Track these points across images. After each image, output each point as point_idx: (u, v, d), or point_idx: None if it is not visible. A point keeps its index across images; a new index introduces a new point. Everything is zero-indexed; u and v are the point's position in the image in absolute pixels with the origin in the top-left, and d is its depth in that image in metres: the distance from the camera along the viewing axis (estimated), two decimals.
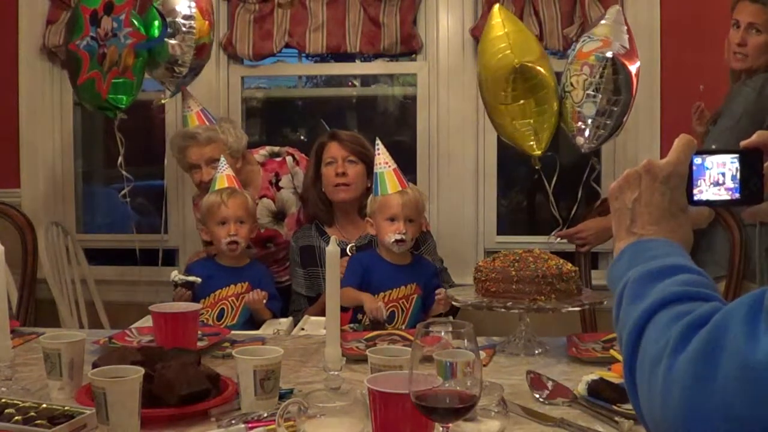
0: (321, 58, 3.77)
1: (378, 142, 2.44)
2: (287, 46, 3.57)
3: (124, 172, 3.07)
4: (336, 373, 1.61)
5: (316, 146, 2.82)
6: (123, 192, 3.11)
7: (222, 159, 2.67)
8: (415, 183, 3.46)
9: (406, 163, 3.42)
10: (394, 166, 2.42)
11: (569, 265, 2.05)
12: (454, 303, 2.14)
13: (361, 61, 3.74)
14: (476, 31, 3.44)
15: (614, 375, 1.69)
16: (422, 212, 2.46)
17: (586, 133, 2.63)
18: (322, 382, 1.63)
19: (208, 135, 2.85)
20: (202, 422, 1.47)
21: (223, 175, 2.61)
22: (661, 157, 1.11)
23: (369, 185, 2.65)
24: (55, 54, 3.70)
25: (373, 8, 3.51)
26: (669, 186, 1.05)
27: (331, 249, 1.63)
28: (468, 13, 3.53)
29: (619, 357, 1.81)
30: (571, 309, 1.99)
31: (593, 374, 1.62)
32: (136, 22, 2.92)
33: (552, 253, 2.12)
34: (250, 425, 1.42)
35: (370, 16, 3.51)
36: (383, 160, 2.42)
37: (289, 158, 3.03)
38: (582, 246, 2.76)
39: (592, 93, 2.57)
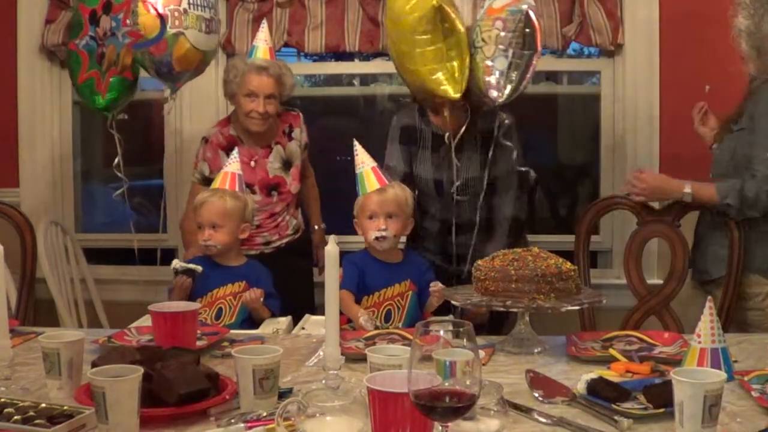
0: (320, 57, 3.76)
1: (355, 142, 2.46)
2: (286, 45, 3.57)
3: (120, 174, 3.07)
4: (335, 372, 1.61)
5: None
6: (119, 192, 3.11)
7: (234, 152, 2.69)
8: None
9: None
10: (373, 164, 2.44)
11: (568, 264, 2.05)
12: (453, 302, 2.13)
13: (360, 60, 3.74)
14: None
15: (613, 374, 1.69)
16: (405, 208, 2.45)
17: (498, 86, 2.67)
18: (322, 381, 1.63)
19: (278, 72, 2.96)
20: (202, 421, 1.47)
21: (223, 173, 2.61)
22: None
23: None
24: (54, 53, 3.70)
25: (371, 7, 3.50)
26: None
27: (330, 249, 1.63)
28: (467, 9, 3.52)
29: (618, 356, 1.82)
30: (570, 308, 1.99)
31: (592, 373, 1.62)
32: (134, 22, 2.91)
33: (551, 252, 2.12)
34: (249, 424, 1.42)
35: (369, 15, 3.51)
36: (361, 159, 2.44)
37: (301, 116, 3.16)
38: (637, 195, 2.65)
39: (504, 47, 2.62)
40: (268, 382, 1.52)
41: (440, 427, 1.20)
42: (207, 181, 2.92)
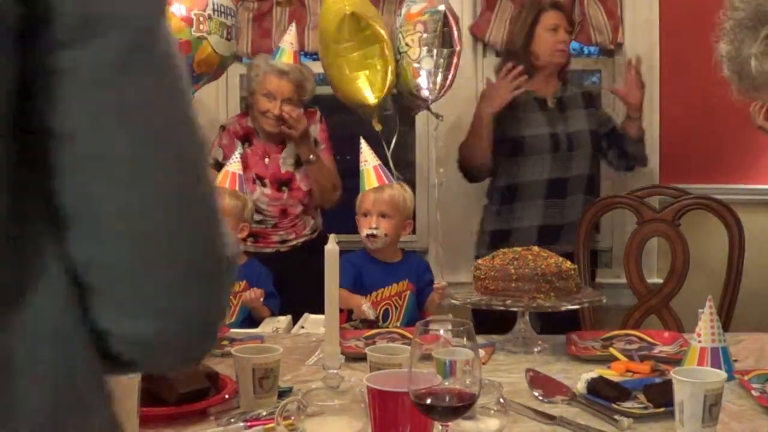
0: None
1: (361, 140, 2.47)
2: None
3: None
4: (335, 371, 1.61)
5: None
6: None
7: (236, 151, 2.72)
8: (414, 181, 3.47)
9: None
10: (375, 163, 2.45)
11: (568, 263, 2.05)
12: (453, 301, 2.13)
13: None
14: (475, 29, 3.43)
15: (614, 373, 1.69)
16: (401, 208, 2.45)
17: (428, 85, 2.79)
18: (322, 380, 1.63)
19: (298, 77, 2.96)
20: (201, 421, 1.47)
21: (224, 172, 2.61)
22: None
23: None
24: None
25: None
26: None
27: (330, 248, 1.63)
28: (467, 9, 3.51)
29: (618, 355, 1.82)
30: (570, 307, 1.99)
31: (593, 372, 1.62)
32: None
33: (551, 251, 2.12)
34: (249, 424, 1.42)
35: None
36: (364, 158, 2.46)
37: (318, 113, 3.16)
38: None
39: (428, 48, 2.75)
40: (268, 381, 1.52)
41: (440, 427, 1.20)
42: (219, 166, 2.94)
